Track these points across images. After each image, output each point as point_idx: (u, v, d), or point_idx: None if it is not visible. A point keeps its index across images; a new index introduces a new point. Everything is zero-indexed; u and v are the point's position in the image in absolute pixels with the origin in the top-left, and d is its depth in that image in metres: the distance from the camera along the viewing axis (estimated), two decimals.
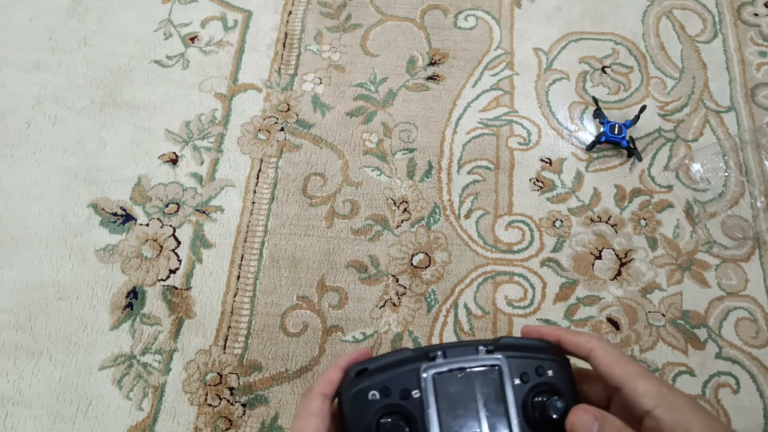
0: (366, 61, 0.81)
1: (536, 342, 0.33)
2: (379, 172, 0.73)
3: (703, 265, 0.67)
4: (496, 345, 0.32)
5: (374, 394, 0.30)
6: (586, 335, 0.33)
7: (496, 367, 0.31)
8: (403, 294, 0.67)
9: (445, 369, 0.31)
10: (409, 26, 0.83)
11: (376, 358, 0.32)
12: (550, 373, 0.31)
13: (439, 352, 0.31)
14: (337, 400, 0.32)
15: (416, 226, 0.70)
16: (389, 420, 0.30)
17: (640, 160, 0.72)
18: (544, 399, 0.30)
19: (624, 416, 0.31)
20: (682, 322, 0.65)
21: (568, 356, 0.33)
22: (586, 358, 0.32)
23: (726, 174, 0.71)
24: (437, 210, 0.71)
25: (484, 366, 0.31)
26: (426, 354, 0.31)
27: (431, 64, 0.80)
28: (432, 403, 0.30)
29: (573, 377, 0.32)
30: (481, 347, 0.31)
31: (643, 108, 0.73)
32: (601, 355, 0.31)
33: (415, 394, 0.30)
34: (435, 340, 0.65)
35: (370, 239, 0.70)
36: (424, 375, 0.30)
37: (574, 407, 0.30)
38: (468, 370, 0.31)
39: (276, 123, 0.77)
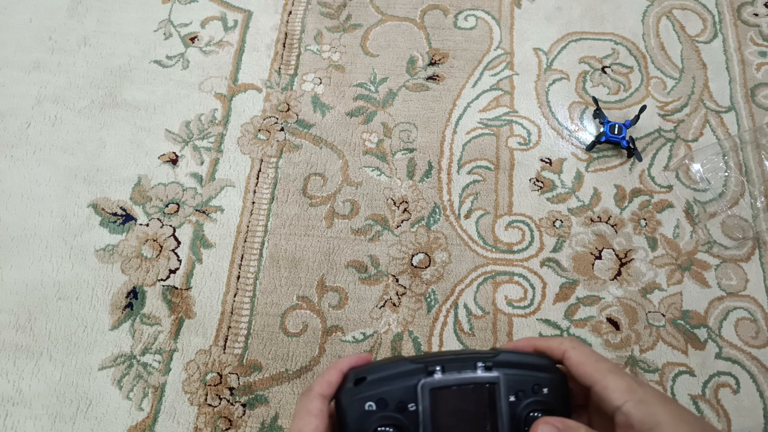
0: (366, 61, 0.81)
1: (534, 358, 0.33)
2: (379, 172, 0.73)
3: (703, 265, 0.67)
4: (494, 361, 0.32)
5: (371, 405, 0.30)
6: (558, 339, 0.33)
7: (493, 384, 0.31)
8: (403, 294, 0.67)
9: (442, 384, 0.31)
10: (409, 26, 0.83)
11: (376, 367, 0.32)
12: (545, 390, 0.31)
13: (438, 367, 0.31)
14: (334, 403, 0.32)
15: (416, 226, 0.70)
16: (385, 431, 0.30)
17: (640, 160, 0.72)
18: (538, 416, 0.30)
19: (599, 414, 0.31)
20: (682, 322, 0.65)
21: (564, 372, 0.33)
22: (560, 362, 0.33)
23: (726, 174, 0.71)
24: (437, 210, 0.71)
25: (480, 382, 0.31)
26: (425, 367, 0.31)
27: (431, 64, 0.80)
28: (427, 417, 0.30)
29: (569, 395, 0.33)
30: (479, 363, 0.31)
31: (643, 108, 0.73)
32: (573, 356, 0.32)
33: (411, 407, 0.31)
34: (435, 341, 0.65)
35: (370, 239, 0.70)
36: (421, 389, 0.31)
37: (537, 420, 0.30)
38: (465, 386, 0.31)
39: (276, 123, 0.77)
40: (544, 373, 0.32)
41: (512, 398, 0.31)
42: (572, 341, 0.33)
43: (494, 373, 0.31)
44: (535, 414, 0.30)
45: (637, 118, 0.73)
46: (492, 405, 0.31)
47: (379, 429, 0.30)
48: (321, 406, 0.31)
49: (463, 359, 0.32)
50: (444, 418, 0.30)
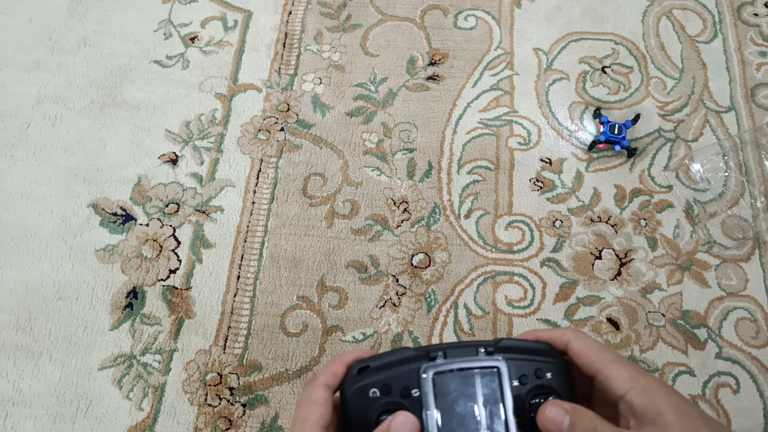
0: (366, 61, 0.81)
1: (536, 344, 0.33)
2: (379, 172, 0.73)
3: (703, 265, 0.67)
4: (496, 347, 0.32)
5: (375, 392, 0.31)
6: (560, 330, 0.33)
7: (496, 369, 0.31)
8: (403, 294, 0.67)
9: (444, 369, 0.31)
10: (409, 26, 0.83)
11: (378, 356, 0.32)
12: (548, 375, 0.31)
13: (440, 353, 0.31)
14: (339, 393, 0.32)
15: (416, 226, 0.70)
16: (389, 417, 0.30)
17: (633, 152, 0.72)
18: (542, 401, 0.30)
19: (603, 404, 0.31)
20: (682, 322, 0.65)
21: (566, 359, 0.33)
22: (564, 352, 0.33)
23: (726, 174, 0.71)
24: (437, 210, 0.71)
25: (483, 367, 0.31)
26: (427, 354, 0.31)
27: (431, 64, 0.80)
28: (431, 402, 0.30)
29: (572, 380, 0.33)
30: (481, 349, 0.32)
31: (637, 117, 0.73)
32: (576, 346, 0.32)
33: (415, 392, 0.31)
34: (435, 341, 0.65)
35: (370, 239, 0.70)
36: (424, 374, 0.31)
37: (546, 402, 0.30)
38: (467, 370, 0.31)
39: (276, 123, 0.77)
40: (546, 358, 0.32)
41: (515, 383, 0.31)
42: (575, 332, 0.33)
43: (496, 358, 0.31)
44: (539, 399, 0.30)
45: (636, 120, 0.73)
46: (495, 389, 0.31)
47: (383, 416, 0.30)
48: (325, 395, 0.31)
49: (465, 346, 0.32)
50: (447, 402, 0.31)
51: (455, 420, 0.30)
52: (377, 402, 0.30)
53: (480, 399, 0.31)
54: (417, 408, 0.30)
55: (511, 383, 0.31)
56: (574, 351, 0.32)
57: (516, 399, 0.31)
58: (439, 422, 0.30)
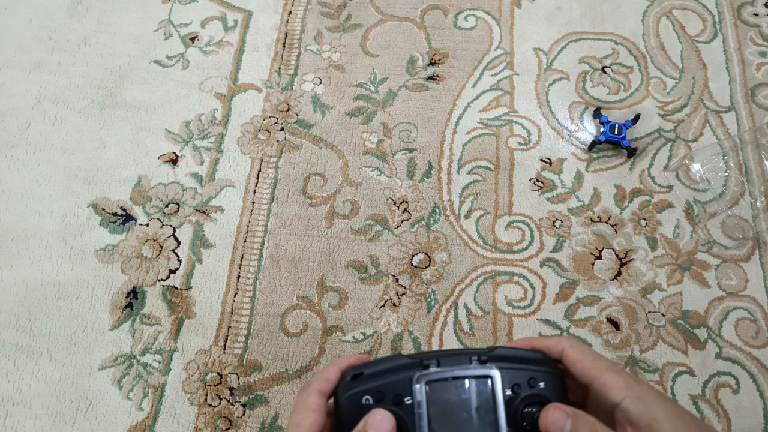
0: (366, 61, 0.81)
1: (530, 353, 0.33)
2: (379, 172, 0.73)
3: (703, 265, 0.67)
4: (489, 355, 0.32)
5: (367, 399, 0.31)
6: (555, 338, 0.34)
7: (488, 378, 0.31)
8: (403, 294, 0.67)
9: (437, 377, 0.31)
10: (409, 26, 0.83)
11: (373, 363, 0.32)
12: (542, 385, 0.32)
13: (433, 361, 0.31)
14: (333, 399, 0.32)
15: (416, 226, 0.70)
16: None
17: (633, 152, 0.72)
18: (534, 410, 0.30)
19: (598, 412, 0.31)
20: (682, 322, 0.65)
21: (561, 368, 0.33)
22: (559, 360, 0.33)
23: (726, 174, 0.71)
24: (437, 210, 0.71)
25: (476, 376, 0.31)
26: (420, 362, 0.31)
27: (431, 64, 0.80)
28: (423, 410, 0.31)
29: (566, 389, 0.33)
30: (474, 357, 0.32)
31: (637, 117, 0.73)
32: (571, 354, 0.32)
33: (407, 400, 0.31)
34: (435, 341, 0.65)
35: (370, 239, 0.70)
36: (417, 383, 0.31)
37: (547, 405, 0.30)
38: (460, 379, 0.31)
39: (276, 123, 0.77)
40: (540, 368, 0.32)
41: (508, 392, 0.31)
42: (570, 340, 0.33)
43: (489, 367, 0.31)
44: (532, 409, 0.31)
45: (635, 121, 0.73)
46: (488, 398, 0.31)
47: None
48: (319, 402, 0.31)
49: (459, 354, 0.32)
50: (440, 410, 0.31)
51: (447, 428, 0.30)
52: (370, 409, 0.31)
53: (472, 408, 0.31)
54: (409, 416, 0.30)
55: (503, 392, 0.31)
56: (569, 359, 0.32)
57: (508, 408, 0.31)
58: (431, 430, 0.30)
